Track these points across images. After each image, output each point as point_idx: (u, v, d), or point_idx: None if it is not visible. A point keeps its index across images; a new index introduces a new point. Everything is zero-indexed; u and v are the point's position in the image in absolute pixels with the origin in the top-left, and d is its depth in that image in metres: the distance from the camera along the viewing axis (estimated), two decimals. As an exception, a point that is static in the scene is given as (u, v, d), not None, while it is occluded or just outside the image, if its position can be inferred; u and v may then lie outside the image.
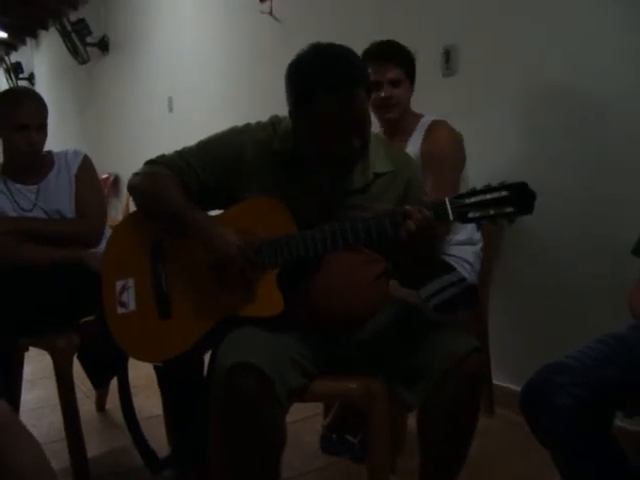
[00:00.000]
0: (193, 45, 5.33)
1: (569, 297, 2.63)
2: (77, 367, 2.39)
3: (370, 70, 2.41)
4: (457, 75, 3.02)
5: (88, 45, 7.18)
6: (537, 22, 2.66)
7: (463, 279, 2.49)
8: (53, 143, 2.72)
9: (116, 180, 6.90)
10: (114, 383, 2.41)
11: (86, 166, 2.68)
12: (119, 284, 1.87)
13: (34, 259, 2.42)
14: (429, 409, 1.67)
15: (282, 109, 1.81)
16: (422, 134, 2.54)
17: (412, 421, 1.83)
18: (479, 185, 1.54)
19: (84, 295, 2.26)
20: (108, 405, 3.09)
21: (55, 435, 2.67)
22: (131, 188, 1.91)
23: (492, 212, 1.51)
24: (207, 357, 1.85)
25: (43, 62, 9.48)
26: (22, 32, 9.60)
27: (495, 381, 2.85)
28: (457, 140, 2.55)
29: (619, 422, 1.65)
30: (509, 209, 1.50)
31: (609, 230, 2.48)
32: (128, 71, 6.59)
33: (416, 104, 2.65)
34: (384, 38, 2.57)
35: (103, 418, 3.05)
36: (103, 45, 7.00)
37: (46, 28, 8.81)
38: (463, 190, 2.33)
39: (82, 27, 7.08)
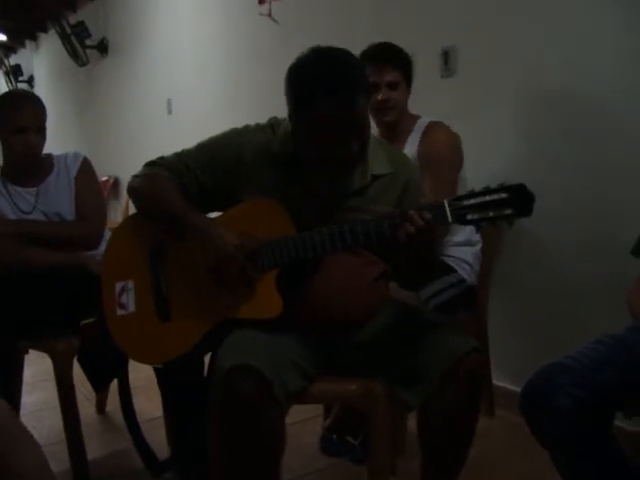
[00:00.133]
0: (192, 47, 5.34)
1: (569, 298, 2.63)
2: (77, 369, 2.38)
3: (368, 70, 2.42)
4: (455, 76, 3.02)
5: (87, 47, 7.19)
6: (535, 22, 2.66)
7: (462, 280, 2.50)
8: (52, 146, 2.72)
9: (116, 182, 6.91)
10: (114, 385, 2.42)
11: (86, 168, 2.68)
12: (118, 286, 1.87)
13: (34, 262, 2.42)
14: (429, 410, 1.67)
15: (281, 111, 1.81)
16: (419, 136, 2.54)
17: (412, 422, 1.83)
18: (478, 187, 1.54)
19: (84, 297, 2.26)
20: (108, 407, 3.09)
21: (55, 437, 2.67)
22: (130, 190, 1.92)
23: (491, 214, 1.51)
24: (207, 359, 1.85)
25: (42, 65, 9.48)
26: (21, 35, 9.60)
27: (495, 382, 2.85)
28: (454, 141, 2.55)
29: (618, 423, 1.65)
30: (508, 211, 1.50)
31: (608, 231, 2.48)
32: (127, 73, 6.60)
33: (415, 105, 2.65)
34: (382, 40, 2.57)
35: (103, 420, 3.05)
36: (102, 47, 7.00)
37: (45, 31, 8.81)
38: (461, 191, 2.35)
39: (81, 30, 7.09)
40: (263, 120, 1.89)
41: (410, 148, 2.51)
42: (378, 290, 1.87)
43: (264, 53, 4.39)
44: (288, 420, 1.64)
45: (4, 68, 10.41)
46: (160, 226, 1.85)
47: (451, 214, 1.53)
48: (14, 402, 2.48)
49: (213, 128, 1.97)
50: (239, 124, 1.90)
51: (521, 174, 2.58)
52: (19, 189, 2.58)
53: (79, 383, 2.46)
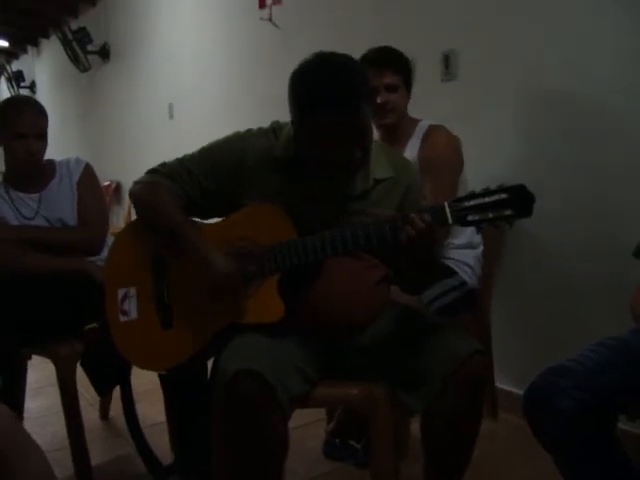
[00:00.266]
0: (193, 52, 5.35)
1: (571, 299, 2.63)
2: (80, 375, 2.39)
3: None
4: (456, 80, 3.02)
5: (89, 53, 7.21)
6: (535, 23, 2.66)
7: (464, 283, 2.50)
8: (55, 151, 2.72)
9: (118, 187, 6.92)
10: (117, 391, 2.41)
11: (88, 174, 2.68)
12: (121, 292, 1.88)
13: (36, 267, 2.42)
14: (432, 413, 1.67)
15: (283, 115, 1.82)
16: (420, 139, 2.54)
17: (415, 426, 1.83)
18: (478, 188, 1.54)
19: (87, 303, 2.26)
20: (111, 413, 3.09)
21: (59, 443, 2.67)
22: (132, 197, 1.92)
23: (491, 215, 1.51)
24: (210, 363, 1.85)
25: (44, 70, 9.50)
26: (23, 41, 9.63)
27: (498, 385, 2.85)
28: (454, 144, 2.55)
29: (622, 425, 1.64)
30: (508, 212, 1.50)
31: (610, 232, 2.48)
32: (129, 78, 6.61)
33: (415, 109, 2.65)
34: (383, 44, 2.58)
35: (106, 426, 3.05)
36: (104, 53, 7.02)
37: (47, 36, 8.83)
38: (462, 194, 2.34)
39: (83, 35, 7.10)
40: (265, 124, 1.89)
41: (410, 152, 2.51)
42: (380, 293, 1.87)
43: (265, 57, 4.40)
44: (291, 424, 1.64)
45: (6, 74, 10.44)
46: (159, 238, 1.86)
47: (451, 215, 1.53)
48: (18, 408, 2.48)
49: (215, 132, 1.97)
50: (241, 128, 1.90)
51: (521, 175, 2.57)
52: (21, 195, 2.59)
53: (82, 388, 2.47)
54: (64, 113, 8.42)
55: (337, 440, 2.53)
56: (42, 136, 2.55)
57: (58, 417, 2.57)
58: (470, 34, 2.94)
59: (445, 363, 1.62)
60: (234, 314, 1.74)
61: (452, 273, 2.50)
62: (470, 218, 1.52)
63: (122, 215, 6.48)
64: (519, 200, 1.50)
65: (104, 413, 3.10)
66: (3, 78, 10.97)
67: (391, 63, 2.52)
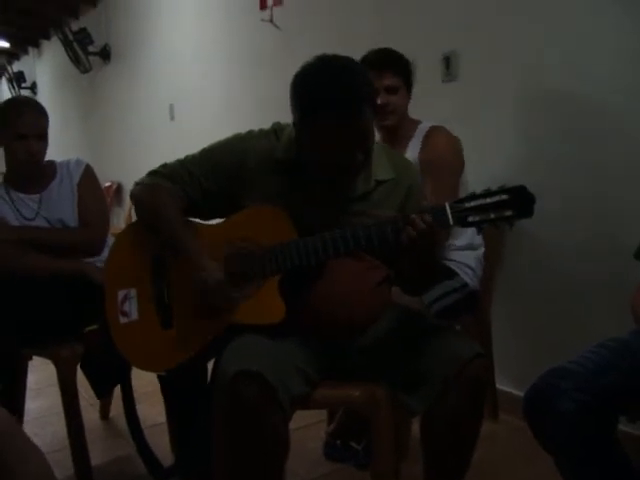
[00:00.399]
0: (194, 53, 5.35)
1: (571, 301, 2.63)
2: (81, 376, 2.39)
3: None
4: (457, 81, 3.02)
5: (90, 54, 7.21)
6: (535, 23, 2.66)
7: (465, 285, 2.50)
8: (55, 152, 2.73)
9: (118, 188, 6.92)
10: (118, 391, 2.41)
11: (88, 175, 2.68)
12: (121, 294, 1.88)
13: (37, 268, 2.42)
14: (432, 415, 1.67)
15: (283, 116, 1.82)
16: (420, 140, 2.54)
17: (416, 427, 1.83)
18: (479, 189, 1.54)
19: (87, 304, 2.26)
20: (112, 413, 3.09)
21: (59, 444, 2.67)
22: (132, 198, 1.93)
23: (492, 216, 1.51)
24: (210, 365, 1.85)
25: (45, 71, 9.51)
26: (24, 42, 9.63)
27: (499, 386, 2.85)
28: (455, 145, 2.55)
29: (622, 427, 1.64)
30: (509, 212, 1.50)
31: (611, 232, 2.48)
32: (130, 79, 6.61)
33: (416, 110, 2.65)
34: (384, 45, 2.58)
35: (107, 426, 3.05)
36: (105, 54, 7.02)
37: (48, 37, 8.84)
38: (462, 195, 2.34)
39: (84, 36, 7.10)
40: (266, 125, 1.89)
41: (411, 153, 2.51)
42: (381, 294, 1.87)
43: (266, 58, 4.40)
44: (292, 425, 1.64)
45: (7, 75, 10.44)
46: (159, 240, 1.86)
47: (452, 216, 1.53)
48: (18, 408, 2.48)
49: (216, 134, 1.97)
50: (242, 129, 1.90)
51: (522, 176, 2.59)
52: (22, 195, 2.59)
53: (83, 389, 2.47)
54: (65, 114, 8.43)
55: (338, 441, 2.53)
56: (43, 137, 2.55)
57: (58, 418, 2.58)
58: (470, 35, 2.94)
59: (446, 365, 1.62)
60: (235, 315, 1.74)
61: (453, 275, 2.50)
62: (471, 219, 1.53)
63: (123, 216, 6.49)
64: (520, 201, 1.50)
65: (104, 413, 3.10)
66: (4, 79, 10.98)
67: (391, 65, 2.52)
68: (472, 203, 1.52)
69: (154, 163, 1.93)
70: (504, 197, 1.51)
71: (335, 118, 1.58)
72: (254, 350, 1.64)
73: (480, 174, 2.65)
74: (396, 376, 1.72)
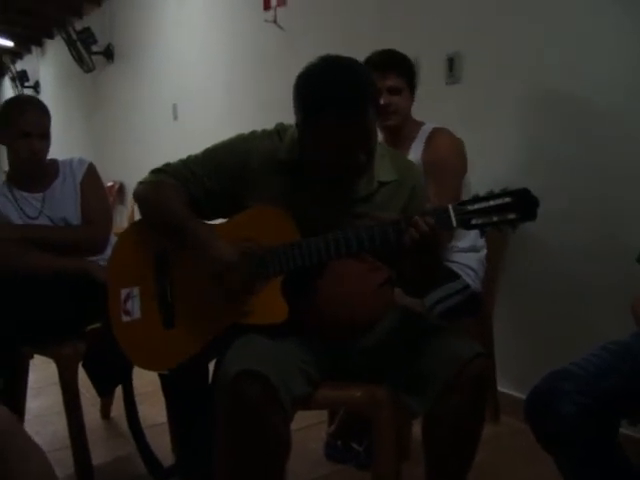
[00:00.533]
0: (197, 53, 5.35)
1: (574, 303, 2.63)
2: (82, 375, 2.39)
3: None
4: (460, 83, 3.02)
5: (93, 53, 7.22)
6: (539, 24, 2.66)
7: (467, 286, 2.50)
8: (58, 151, 2.73)
9: (121, 187, 6.92)
10: (119, 391, 2.42)
11: (91, 174, 2.69)
12: (124, 292, 1.88)
13: (40, 266, 2.42)
14: (434, 416, 1.67)
15: (287, 117, 1.82)
16: (423, 142, 2.54)
17: (417, 428, 1.83)
18: (482, 192, 1.54)
19: (90, 303, 2.27)
20: (113, 413, 3.09)
21: (60, 443, 2.67)
22: (136, 197, 1.92)
23: (495, 219, 1.51)
24: (212, 365, 1.85)
25: (49, 70, 9.51)
26: (28, 41, 9.64)
27: (500, 388, 2.85)
28: (458, 147, 2.55)
29: (623, 429, 1.64)
30: (512, 215, 1.50)
31: (614, 234, 2.48)
32: (133, 79, 6.62)
33: (419, 112, 2.65)
34: (387, 47, 2.58)
35: (108, 426, 3.05)
36: (108, 53, 7.03)
37: (51, 37, 8.85)
38: (465, 196, 2.35)
39: (87, 36, 7.11)
40: (269, 126, 1.89)
41: (414, 154, 2.51)
42: (383, 295, 1.87)
43: (269, 59, 4.40)
44: (293, 426, 1.64)
45: (10, 74, 10.45)
46: (164, 235, 1.86)
47: (456, 219, 1.53)
48: (19, 407, 2.49)
49: (219, 134, 1.97)
50: (245, 130, 1.90)
51: (525, 178, 2.60)
52: (25, 194, 2.59)
53: (84, 388, 2.47)
54: (68, 113, 8.43)
55: (339, 442, 2.53)
56: (45, 135, 2.55)
57: (59, 417, 2.58)
58: (474, 37, 2.94)
59: (448, 365, 1.62)
60: (237, 315, 1.74)
61: (455, 276, 2.50)
62: (474, 221, 1.52)
63: (125, 215, 6.49)
64: (523, 204, 1.50)
65: (105, 413, 3.10)
66: (7, 78, 10.98)
67: (395, 66, 2.52)
68: (475, 206, 1.52)
69: (157, 163, 1.93)
70: (507, 200, 1.50)
71: (338, 118, 1.58)
72: (256, 350, 1.64)
73: (483, 176, 2.64)
74: (398, 377, 1.72)
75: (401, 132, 2.59)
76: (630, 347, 1.61)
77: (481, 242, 2.59)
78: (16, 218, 2.54)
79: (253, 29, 4.53)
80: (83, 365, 2.38)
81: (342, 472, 2.47)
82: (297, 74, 1.68)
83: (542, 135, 2.71)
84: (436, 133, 2.55)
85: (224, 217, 1.87)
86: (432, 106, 2.83)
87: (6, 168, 2.67)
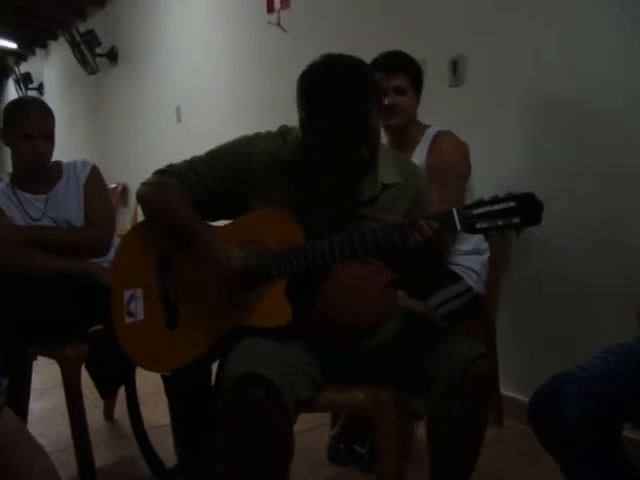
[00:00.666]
0: (201, 55, 5.36)
1: (577, 305, 2.63)
2: (85, 376, 2.39)
3: (377, 77, 2.44)
4: (465, 85, 3.02)
5: (97, 55, 7.23)
6: (542, 26, 2.66)
7: (470, 289, 2.49)
8: (62, 153, 2.73)
9: (124, 190, 6.93)
10: (122, 392, 2.42)
11: (94, 176, 2.69)
12: (127, 294, 1.88)
13: (43, 268, 2.42)
14: (437, 418, 1.67)
15: (290, 119, 1.82)
16: (427, 145, 2.54)
17: (421, 430, 1.83)
18: (486, 195, 1.54)
19: (93, 304, 2.27)
20: (116, 414, 3.10)
21: (63, 444, 2.67)
22: (139, 198, 1.92)
23: (500, 223, 1.51)
24: (215, 366, 1.85)
25: (52, 72, 9.53)
26: (32, 43, 9.67)
27: (503, 391, 2.84)
28: (462, 150, 2.55)
29: (627, 433, 1.64)
30: (516, 220, 1.50)
31: (617, 237, 2.47)
32: (137, 81, 6.63)
33: (423, 115, 2.65)
34: (391, 50, 2.58)
35: (111, 427, 3.05)
36: (112, 55, 7.04)
37: (55, 39, 8.87)
38: (469, 200, 2.34)
39: (91, 38, 7.13)
40: (273, 128, 1.89)
41: (418, 157, 2.51)
42: (387, 298, 1.87)
43: (273, 61, 4.40)
44: (295, 428, 1.64)
45: (14, 76, 10.48)
46: (167, 236, 1.86)
47: (460, 223, 1.53)
48: (22, 409, 2.48)
49: (222, 136, 1.97)
50: (248, 132, 1.90)
51: (529, 181, 2.61)
52: (28, 196, 2.60)
53: (87, 390, 2.47)
54: (72, 115, 8.45)
55: (341, 445, 2.53)
56: (49, 137, 2.55)
57: (62, 418, 2.58)
58: (478, 39, 2.94)
59: (451, 366, 1.62)
60: (241, 317, 1.74)
61: (458, 279, 2.50)
62: (478, 226, 1.52)
63: (129, 217, 6.50)
64: (528, 208, 1.49)
65: (108, 414, 3.10)
66: (11, 80, 11.01)
67: (401, 66, 2.53)
68: (480, 210, 1.52)
69: (160, 165, 1.93)
70: (512, 204, 1.50)
71: (341, 116, 1.58)
72: (260, 352, 1.64)
73: (487, 178, 2.65)
74: (401, 379, 1.71)
75: (405, 134, 2.59)
76: (634, 350, 1.61)
77: (484, 245, 2.59)
78: (19, 220, 2.54)
79: (256, 31, 4.53)
80: (86, 366, 2.38)
81: (345, 475, 2.47)
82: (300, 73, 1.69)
83: (546, 137, 2.70)
84: (440, 136, 2.55)
85: (228, 218, 1.87)
86: (436, 108, 2.83)
87: (10, 170, 2.67)
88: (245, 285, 1.73)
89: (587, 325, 2.58)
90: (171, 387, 2.23)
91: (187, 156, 1.92)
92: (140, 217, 1.98)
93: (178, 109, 5.77)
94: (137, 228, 2.01)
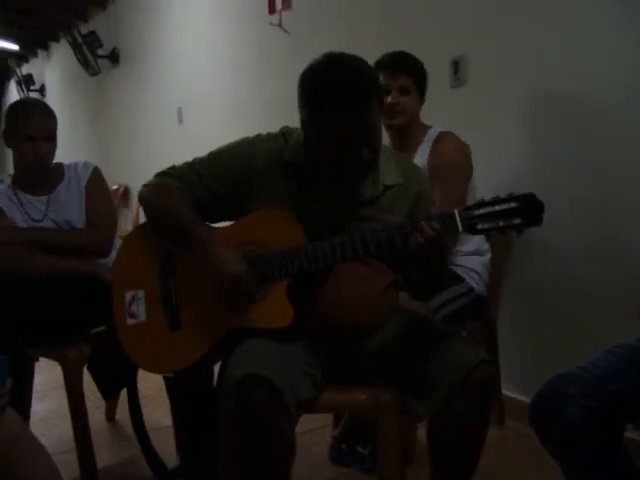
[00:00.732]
0: (202, 57, 5.36)
1: (579, 305, 2.62)
2: (87, 378, 2.39)
3: (381, 77, 2.44)
4: (466, 86, 3.02)
5: (99, 57, 7.25)
6: (543, 27, 2.66)
7: (471, 290, 2.49)
8: (63, 154, 2.73)
9: (126, 191, 6.94)
10: (124, 394, 2.42)
11: (96, 177, 2.69)
12: (129, 295, 1.88)
13: (46, 269, 2.43)
14: (438, 420, 1.66)
15: (292, 120, 1.82)
16: (429, 146, 2.55)
17: (422, 431, 1.83)
18: (487, 195, 1.54)
19: (95, 306, 2.27)
20: (118, 416, 3.10)
21: (65, 445, 2.67)
22: (141, 199, 1.93)
23: (501, 223, 1.51)
24: (217, 368, 1.85)
25: (54, 74, 9.54)
26: (33, 44, 9.68)
27: (505, 392, 2.84)
28: (464, 151, 2.55)
29: (629, 434, 1.64)
30: (518, 220, 1.50)
31: (619, 236, 2.47)
32: (138, 82, 6.64)
33: (425, 115, 2.65)
34: (392, 50, 2.59)
35: (113, 429, 3.05)
36: (114, 57, 7.05)
37: (57, 40, 8.88)
38: (470, 200, 2.34)
39: (93, 39, 7.15)
40: (274, 129, 1.89)
41: (420, 158, 2.51)
42: (388, 299, 1.87)
43: (274, 62, 4.41)
44: (297, 429, 1.64)
45: (16, 77, 10.49)
46: (169, 237, 1.86)
47: (461, 223, 1.53)
48: (24, 410, 2.49)
49: (224, 137, 1.98)
50: (250, 133, 1.90)
51: (530, 180, 2.60)
52: (30, 197, 2.60)
53: (89, 391, 2.47)
54: (73, 117, 8.46)
55: (343, 445, 2.53)
56: (51, 139, 2.56)
57: (64, 419, 2.58)
58: (479, 40, 2.94)
59: (453, 371, 1.61)
60: (243, 318, 1.74)
61: (459, 280, 2.50)
62: (480, 227, 1.52)
63: (130, 218, 6.50)
64: (529, 209, 1.50)
65: (110, 416, 3.11)
66: (13, 81, 11.02)
67: (405, 67, 2.53)
68: (481, 210, 1.52)
69: (162, 166, 1.93)
70: (513, 205, 1.50)
71: (342, 115, 1.59)
72: (261, 354, 1.64)
73: (488, 178, 2.65)
74: (403, 381, 1.71)
75: (408, 135, 2.59)
76: (636, 350, 1.61)
77: (486, 246, 2.59)
78: (21, 221, 2.54)
79: (258, 33, 4.53)
80: (88, 368, 2.38)
81: (347, 475, 2.47)
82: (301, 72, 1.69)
83: (546, 138, 2.70)
84: (442, 137, 2.55)
85: (230, 220, 1.87)
86: (437, 109, 2.83)
87: (11, 171, 2.67)
88: (238, 287, 1.73)
89: (588, 325, 2.57)
90: (173, 389, 2.23)
91: (189, 157, 1.92)
92: (142, 219, 1.98)
93: (180, 110, 5.78)
94: (139, 229, 2.01)
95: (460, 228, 1.54)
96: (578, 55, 2.54)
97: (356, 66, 1.64)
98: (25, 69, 10.54)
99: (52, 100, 8.99)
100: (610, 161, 2.48)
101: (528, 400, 1.62)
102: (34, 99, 3.09)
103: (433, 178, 2.39)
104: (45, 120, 2.55)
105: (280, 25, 4.24)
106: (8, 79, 11.90)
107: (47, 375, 3.13)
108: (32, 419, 2.66)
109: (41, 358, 2.53)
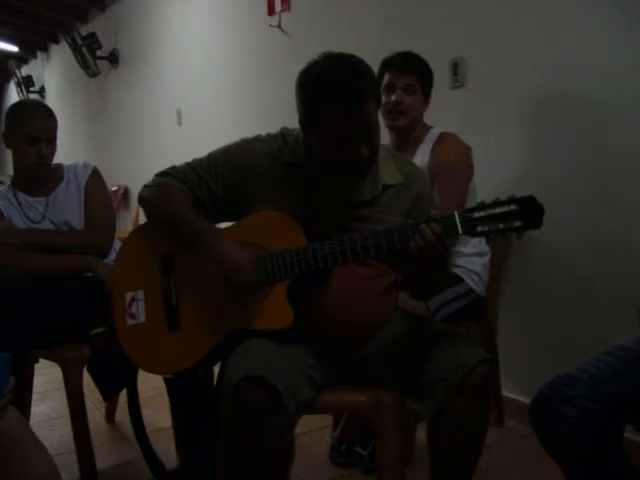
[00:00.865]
0: (202, 58, 5.36)
1: (578, 307, 2.63)
2: (87, 379, 2.39)
3: (387, 75, 2.46)
4: (465, 87, 3.03)
5: (98, 58, 7.25)
6: (543, 29, 2.66)
7: (471, 290, 2.50)
8: (63, 156, 2.73)
9: (126, 192, 6.93)
10: (124, 395, 2.42)
11: (95, 178, 2.69)
12: (128, 296, 1.88)
13: (40, 267, 2.42)
14: (439, 420, 1.66)
15: (291, 121, 1.82)
16: (430, 146, 2.55)
17: (422, 432, 1.83)
18: (487, 197, 1.54)
19: (94, 307, 2.27)
20: (117, 417, 3.09)
21: (65, 447, 2.67)
22: (141, 200, 1.92)
23: (501, 226, 1.51)
24: (216, 369, 1.85)
25: (54, 75, 9.54)
26: (33, 46, 9.68)
27: (505, 393, 2.85)
28: (465, 152, 2.55)
29: (628, 435, 1.64)
30: (518, 223, 1.50)
31: (618, 238, 2.47)
32: (137, 84, 6.63)
33: (425, 116, 2.65)
34: (392, 52, 2.59)
35: (112, 430, 3.05)
36: (113, 58, 7.05)
37: (57, 42, 8.88)
38: (471, 201, 2.35)
39: (92, 41, 7.15)
40: (273, 130, 1.90)
41: (421, 158, 2.51)
42: (388, 300, 1.87)
43: (274, 64, 4.41)
44: (297, 430, 1.64)
45: (16, 79, 10.47)
46: (170, 236, 1.86)
47: (461, 225, 1.53)
48: (24, 411, 2.49)
49: (223, 138, 1.98)
50: (249, 134, 1.90)
51: (529, 182, 2.61)
52: (29, 198, 2.59)
53: (88, 392, 2.47)
54: (73, 118, 8.45)
55: (343, 446, 2.53)
56: (51, 140, 2.55)
57: (64, 421, 2.58)
58: (478, 41, 2.94)
59: (452, 372, 1.62)
60: (243, 320, 1.74)
61: (459, 281, 2.50)
62: (480, 229, 1.52)
63: (130, 220, 6.50)
64: (529, 211, 1.50)
65: (110, 417, 3.10)
66: (13, 83, 11.01)
67: (412, 66, 2.54)
68: (481, 213, 1.52)
69: (161, 168, 1.93)
70: (513, 207, 1.50)
71: (340, 114, 1.59)
72: (261, 355, 1.64)
73: (487, 179, 2.65)
74: (402, 382, 1.71)
75: (409, 135, 2.59)
76: (635, 352, 1.61)
77: (485, 247, 2.59)
78: (19, 222, 2.54)
79: (257, 34, 4.54)
80: (88, 369, 2.39)
81: (347, 476, 2.47)
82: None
83: (546, 138, 2.70)
84: (443, 138, 2.55)
85: (229, 220, 1.87)
86: (437, 110, 2.83)
87: (11, 172, 2.67)
88: (243, 275, 1.72)
89: (588, 326, 2.57)
90: (173, 390, 2.24)
91: (188, 159, 1.92)
92: (142, 220, 1.98)
93: (179, 112, 5.78)
94: (139, 230, 2.01)
95: (460, 230, 1.54)
96: (578, 55, 2.54)
97: (353, 65, 1.65)
98: (25, 70, 10.53)
99: (52, 101, 8.99)
100: (610, 161, 2.48)
101: (528, 400, 1.62)
102: (35, 100, 3.11)
103: (434, 179, 2.40)
104: (47, 121, 2.55)
105: (279, 26, 4.25)
106: (8, 81, 11.90)
107: (47, 376, 3.14)
108: (32, 421, 2.66)
109: (41, 359, 2.53)
